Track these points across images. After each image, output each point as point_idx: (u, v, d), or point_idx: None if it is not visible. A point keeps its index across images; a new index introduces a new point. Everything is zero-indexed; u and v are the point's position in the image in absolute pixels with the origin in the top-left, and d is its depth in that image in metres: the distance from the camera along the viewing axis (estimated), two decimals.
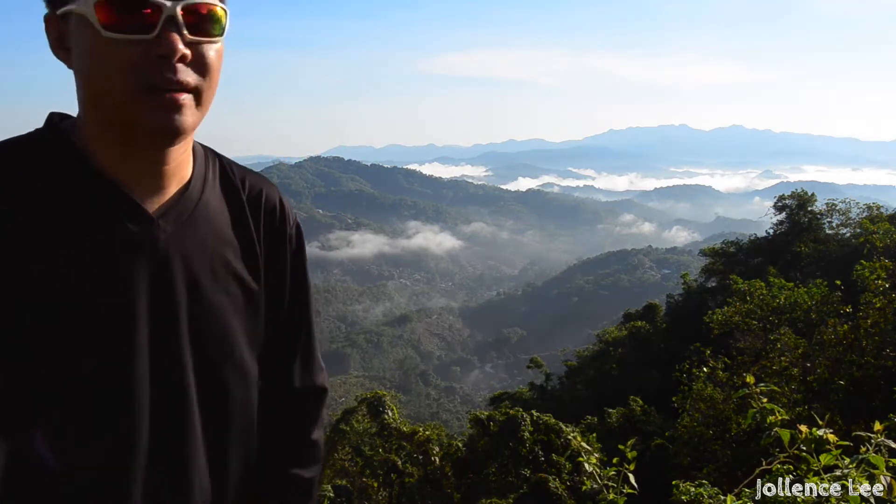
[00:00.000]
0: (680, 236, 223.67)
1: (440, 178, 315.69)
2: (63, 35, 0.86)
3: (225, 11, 0.88)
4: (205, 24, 0.86)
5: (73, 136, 0.90)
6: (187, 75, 0.84)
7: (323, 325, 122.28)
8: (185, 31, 0.83)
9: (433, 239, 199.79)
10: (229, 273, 0.99)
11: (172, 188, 0.94)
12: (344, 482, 16.91)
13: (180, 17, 0.82)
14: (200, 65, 0.86)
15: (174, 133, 0.85)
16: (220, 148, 1.14)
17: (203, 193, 0.97)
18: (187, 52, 0.83)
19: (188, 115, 0.85)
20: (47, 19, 0.87)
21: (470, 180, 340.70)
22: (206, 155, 1.03)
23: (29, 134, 0.91)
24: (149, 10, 0.80)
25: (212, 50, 0.87)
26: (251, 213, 1.04)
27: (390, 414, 16.80)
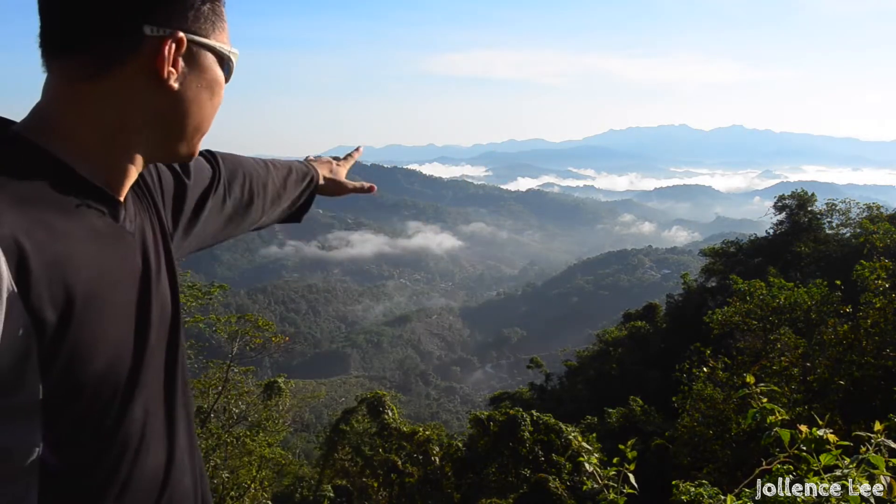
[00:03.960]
0: (680, 236, 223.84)
1: (440, 178, 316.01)
2: (165, 58, 0.82)
3: None
4: None
5: (42, 143, 0.81)
6: None
7: (323, 324, 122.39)
8: None
9: (433, 239, 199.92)
10: (164, 253, 0.99)
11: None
12: (344, 482, 16.93)
13: None
14: None
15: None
16: (219, 147, 1.14)
17: None
18: None
19: None
20: (173, 38, 0.82)
21: (470, 180, 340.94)
22: None
23: None
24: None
25: None
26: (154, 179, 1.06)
27: (390, 414, 16.80)
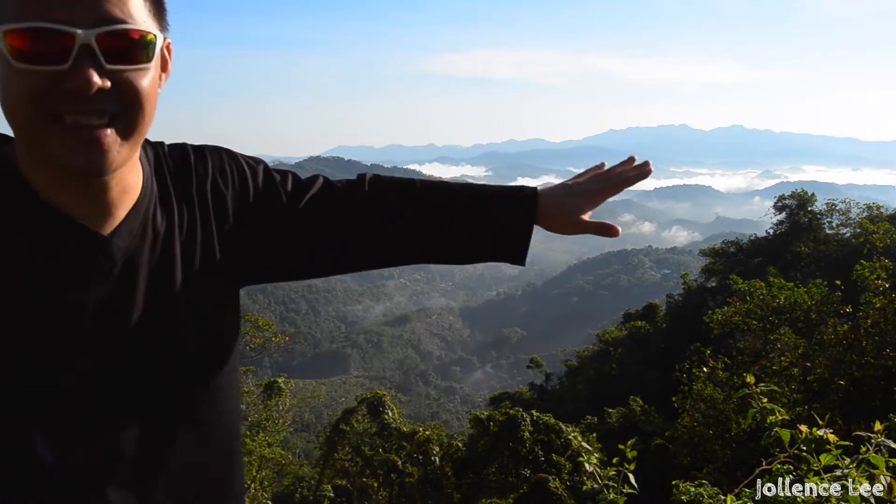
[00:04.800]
0: (680, 236, 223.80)
1: (440, 178, 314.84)
2: None
3: (154, 37, 0.82)
4: (130, 50, 0.79)
5: (15, 162, 0.85)
6: (106, 104, 0.78)
7: (323, 325, 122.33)
8: (104, 61, 0.77)
9: None
10: (192, 274, 0.96)
11: (124, 208, 0.89)
12: (344, 482, 16.92)
13: (96, 46, 0.76)
14: (124, 94, 0.79)
15: (95, 172, 0.80)
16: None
17: (150, 201, 0.93)
18: (105, 83, 0.77)
19: (111, 150, 0.79)
20: None
21: (470, 180, 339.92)
22: (146, 155, 0.96)
23: None
24: (60, 39, 0.75)
25: (140, 77, 0.81)
26: (199, 196, 1.00)
27: (390, 414, 16.80)
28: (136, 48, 0.80)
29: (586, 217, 1.19)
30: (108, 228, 0.87)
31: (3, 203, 0.83)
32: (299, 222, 1.08)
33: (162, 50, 0.87)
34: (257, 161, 1.10)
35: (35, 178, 0.83)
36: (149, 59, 0.82)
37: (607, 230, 1.20)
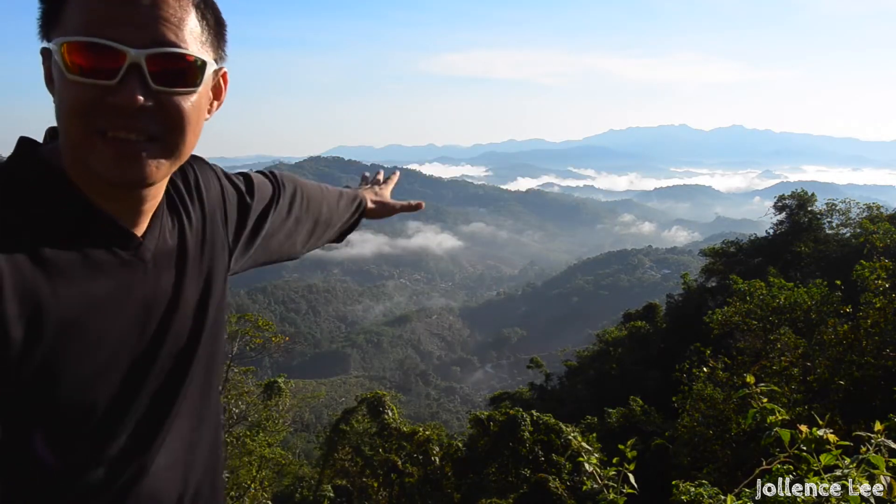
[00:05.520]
0: (680, 236, 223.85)
1: (440, 178, 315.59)
2: (49, 70, 0.85)
3: (204, 63, 0.85)
4: (178, 74, 0.83)
5: (58, 165, 0.87)
6: (148, 123, 0.82)
7: (323, 325, 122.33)
8: (151, 81, 0.80)
9: (433, 239, 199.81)
10: (198, 271, 1.02)
11: (150, 213, 0.94)
12: (344, 482, 16.92)
13: (145, 66, 0.80)
14: (167, 115, 0.83)
15: (132, 185, 0.84)
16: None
17: (163, 207, 0.98)
18: (148, 102, 0.81)
19: (149, 166, 0.83)
20: (42, 52, 0.86)
21: (470, 180, 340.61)
22: None
23: (7, 162, 0.87)
24: (112, 56, 0.79)
25: (185, 101, 0.84)
26: (198, 199, 1.06)
27: (390, 414, 16.80)
28: (185, 73, 0.84)
29: (388, 202, 1.68)
30: (139, 231, 0.92)
31: (53, 200, 0.85)
32: (257, 217, 1.20)
33: (216, 78, 0.92)
34: (213, 165, 1.18)
35: (80, 180, 0.86)
36: (196, 85, 0.85)
37: (413, 207, 1.71)
